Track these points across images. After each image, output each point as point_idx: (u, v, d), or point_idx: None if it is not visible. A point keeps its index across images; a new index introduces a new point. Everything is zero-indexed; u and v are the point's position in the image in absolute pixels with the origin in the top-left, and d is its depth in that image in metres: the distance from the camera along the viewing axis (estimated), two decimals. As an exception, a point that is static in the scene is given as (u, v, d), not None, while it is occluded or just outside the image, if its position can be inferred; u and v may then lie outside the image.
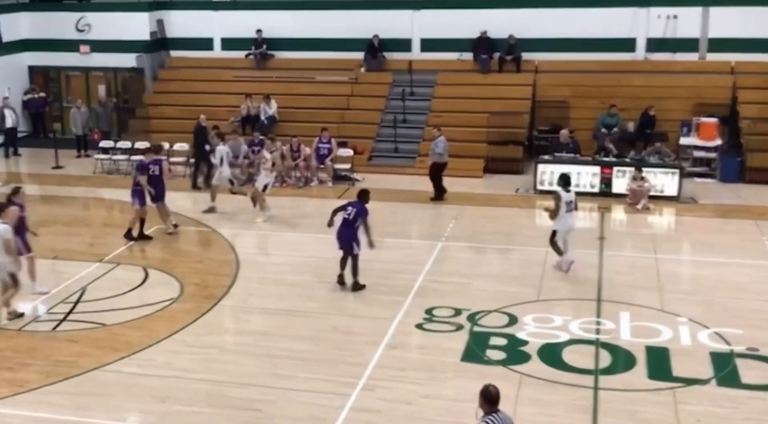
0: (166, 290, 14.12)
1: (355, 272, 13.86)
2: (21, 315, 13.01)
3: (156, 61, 27.46)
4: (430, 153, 20.06)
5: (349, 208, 13.84)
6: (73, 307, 13.46)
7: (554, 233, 14.89)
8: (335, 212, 13.94)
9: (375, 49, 25.58)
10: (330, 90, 25.30)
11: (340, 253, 13.91)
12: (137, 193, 16.67)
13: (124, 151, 23.83)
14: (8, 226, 12.66)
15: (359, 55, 25.74)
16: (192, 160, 22.10)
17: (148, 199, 16.70)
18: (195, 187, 21.05)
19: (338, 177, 21.86)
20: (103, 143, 24.27)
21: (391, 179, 21.17)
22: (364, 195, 14.00)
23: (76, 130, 25.55)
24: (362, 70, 25.75)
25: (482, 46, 24.85)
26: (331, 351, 11.69)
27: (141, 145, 23.50)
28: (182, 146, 23.05)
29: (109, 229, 17.37)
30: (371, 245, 13.80)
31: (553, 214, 14.75)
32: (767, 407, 10.17)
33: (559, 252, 14.84)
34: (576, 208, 15.00)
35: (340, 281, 13.96)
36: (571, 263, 14.70)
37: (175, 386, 10.79)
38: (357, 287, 13.82)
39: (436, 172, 19.77)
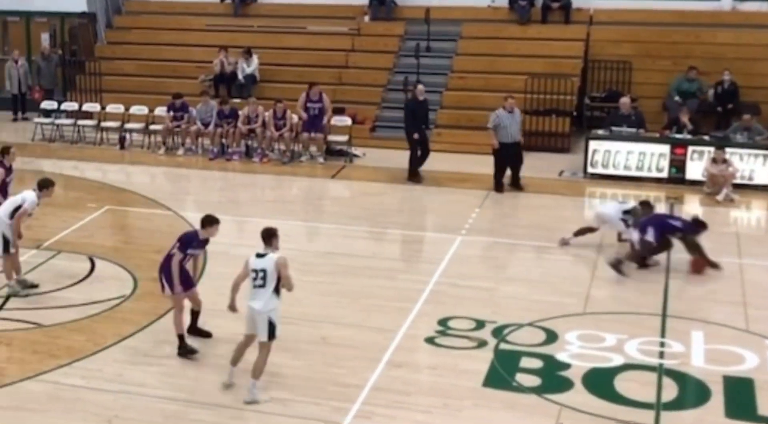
0: (116, 285, 14.23)
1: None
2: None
3: (111, 4, 27.54)
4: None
5: None
6: (3, 303, 13.55)
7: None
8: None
9: (383, -8, 25.64)
10: (325, 43, 25.27)
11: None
12: None
13: (70, 114, 23.95)
14: None
15: (363, 1, 25.72)
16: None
17: None
18: None
19: (332, 152, 21.78)
20: (45, 104, 24.47)
21: (397, 156, 21.02)
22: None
23: (12, 88, 25.79)
24: (366, 18, 25.74)
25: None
26: (319, 368, 11.62)
27: (90, 107, 23.60)
28: (141, 109, 23.25)
29: (48, 209, 17.23)
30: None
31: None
32: None
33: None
34: None
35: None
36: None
37: (124, 403, 10.83)
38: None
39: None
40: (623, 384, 11.33)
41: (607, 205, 16.72)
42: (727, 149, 19.23)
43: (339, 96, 23.34)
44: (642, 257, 14.88)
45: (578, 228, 16.01)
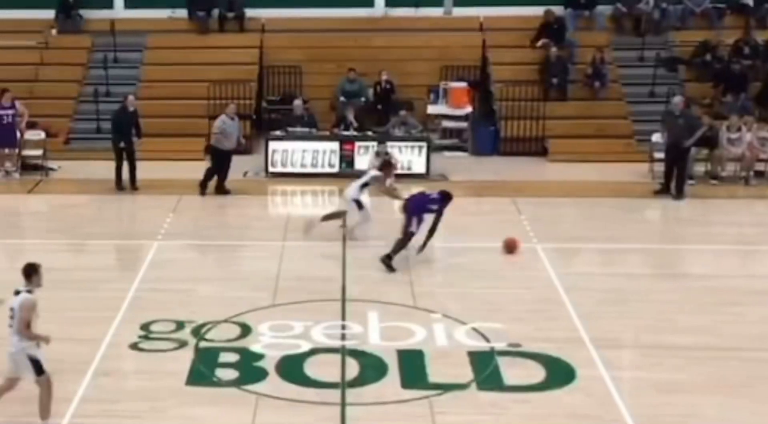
0: None
1: None
2: None
3: None
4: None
5: None
6: None
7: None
8: None
9: (69, 6, 24.77)
10: (13, 58, 24.03)
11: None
12: None
13: None
14: None
15: (49, 15, 24.84)
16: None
17: None
18: None
19: (27, 166, 20.84)
20: None
21: (94, 167, 20.45)
22: None
23: None
24: (54, 32, 24.84)
25: (199, 1, 24.59)
26: (23, 385, 10.71)
27: None
28: None
29: None
30: None
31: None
32: (532, 411, 10.69)
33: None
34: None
35: None
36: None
37: None
38: None
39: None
40: (312, 368, 11.57)
41: (351, 185, 16.42)
42: (388, 143, 19.95)
43: (31, 110, 22.10)
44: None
45: (328, 213, 16.28)
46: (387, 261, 14.83)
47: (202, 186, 19.03)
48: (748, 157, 19.88)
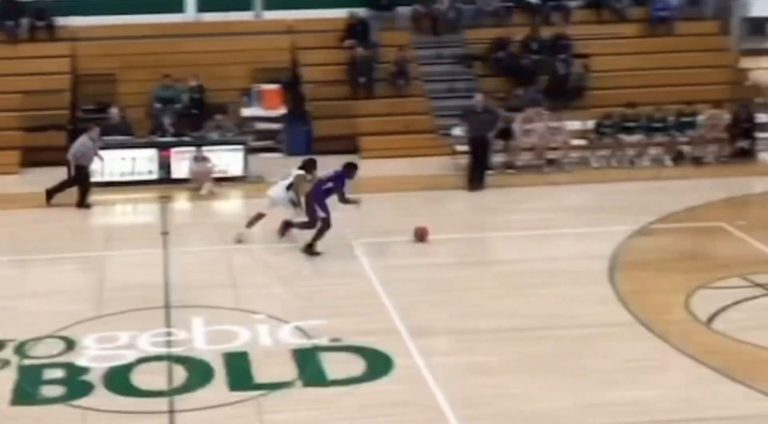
0: None
1: None
2: None
3: None
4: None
5: None
6: None
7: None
8: None
9: None
10: None
11: None
12: None
13: None
14: None
15: None
16: None
17: None
18: None
19: None
20: None
21: None
22: None
23: None
24: None
25: (8, 10, 23.41)
26: None
27: None
28: None
29: None
30: None
31: None
32: (355, 402, 10.64)
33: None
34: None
35: None
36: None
37: None
38: None
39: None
40: (140, 377, 11.17)
41: (275, 187, 16.07)
42: (205, 147, 19.58)
43: None
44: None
45: (249, 218, 15.80)
46: (309, 250, 15.03)
47: (50, 195, 18.29)
48: (540, 146, 20.45)
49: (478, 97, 20.08)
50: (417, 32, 24.50)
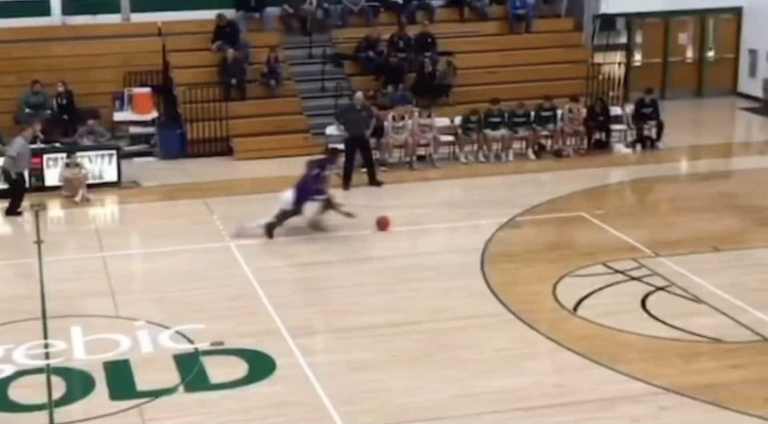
0: None
1: None
2: None
3: None
4: None
5: None
6: None
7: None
8: None
9: None
10: None
11: None
12: None
13: None
14: None
15: None
16: None
17: None
18: None
19: None
20: None
21: None
22: None
23: None
24: None
25: None
26: None
27: None
28: None
29: None
30: None
31: None
32: (239, 405, 10.59)
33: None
34: None
35: None
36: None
37: None
38: None
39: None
40: (18, 391, 10.85)
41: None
42: (78, 153, 19.02)
43: None
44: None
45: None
46: (269, 229, 15.79)
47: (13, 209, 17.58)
48: (411, 143, 20.61)
49: (359, 95, 20.10)
50: (286, 32, 24.33)
